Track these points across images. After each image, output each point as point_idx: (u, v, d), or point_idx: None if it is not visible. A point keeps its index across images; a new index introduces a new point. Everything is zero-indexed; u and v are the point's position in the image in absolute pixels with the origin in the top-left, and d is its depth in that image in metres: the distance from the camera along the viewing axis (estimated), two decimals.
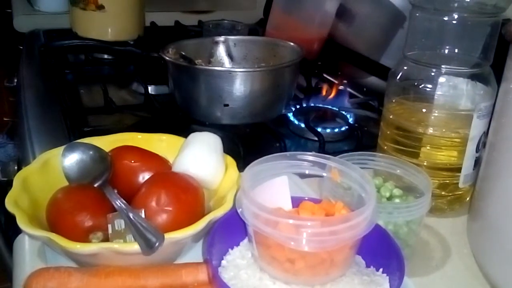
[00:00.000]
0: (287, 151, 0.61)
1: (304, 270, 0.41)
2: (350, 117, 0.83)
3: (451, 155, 0.58)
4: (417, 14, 0.58)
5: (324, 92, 0.92)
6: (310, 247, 0.40)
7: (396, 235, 0.48)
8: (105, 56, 1.12)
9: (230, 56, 0.87)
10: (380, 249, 0.45)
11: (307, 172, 0.49)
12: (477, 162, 0.57)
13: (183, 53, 0.81)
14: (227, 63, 0.87)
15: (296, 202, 0.47)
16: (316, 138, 0.73)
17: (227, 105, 0.73)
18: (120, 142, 0.56)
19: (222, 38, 0.86)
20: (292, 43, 0.84)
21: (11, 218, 0.44)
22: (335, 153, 0.54)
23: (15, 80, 1.04)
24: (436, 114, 0.57)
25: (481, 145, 0.56)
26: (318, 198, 0.51)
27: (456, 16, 0.55)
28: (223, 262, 0.45)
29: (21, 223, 0.43)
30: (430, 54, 0.58)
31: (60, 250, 0.44)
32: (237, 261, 0.45)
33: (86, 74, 1.05)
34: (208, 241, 0.44)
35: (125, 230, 0.45)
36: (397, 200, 0.51)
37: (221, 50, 0.86)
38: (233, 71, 0.73)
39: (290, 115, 0.82)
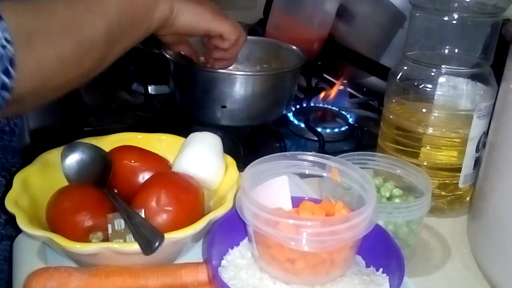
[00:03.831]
0: (287, 151, 0.61)
1: (304, 270, 0.41)
2: (350, 117, 0.83)
3: (451, 155, 0.58)
4: (417, 14, 0.58)
5: (324, 92, 0.92)
6: (310, 247, 0.40)
7: (396, 235, 0.48)
8: None
9: None
10: (380, 249, 0.45)
11: (307, 172, 0.49)
12: (477, 162, 0.57)
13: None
14: None
15: (296, 202, 0.47)
16: (316, 138, 0.73)
17: (224, 106, 0.73)
18: (120, 142, 0.56)
19: None
20: (295, 47, 0.83)
21: (11, 218, 0.44)
22: (335, 153, 0.54)
23: None
24: (436, 114, 0.57)
25: (481, 145, 0.56)
26: (318, 198, 0.51)
27: (456, 16, 0.55)
28: (223, 262, 0.45)
29: (21, 223, 0.43)
30: (430, 54, 0.58)
31: (60, 250, 0.44)
32: (237, 261, 0.45)
33: None
34: (208, 241, 0.44)
35: (125, 230, 0.45)
36: (397, 200, 0.51)
37: None
38: (233, 74, 0.73)
39: (290, 115, 0.82)
